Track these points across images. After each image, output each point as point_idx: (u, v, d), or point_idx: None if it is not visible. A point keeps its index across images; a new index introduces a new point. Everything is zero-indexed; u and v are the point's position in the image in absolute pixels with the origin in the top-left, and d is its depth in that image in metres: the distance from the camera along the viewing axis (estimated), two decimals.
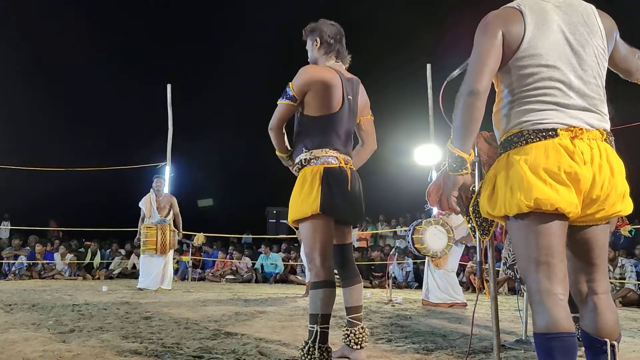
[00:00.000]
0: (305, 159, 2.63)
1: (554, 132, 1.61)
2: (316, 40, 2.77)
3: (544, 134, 1.62)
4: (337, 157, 2.64)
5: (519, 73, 1.69)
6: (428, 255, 5.84)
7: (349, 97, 2.71)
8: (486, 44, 1.68)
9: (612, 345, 1.59)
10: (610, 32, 1.76)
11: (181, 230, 7.88)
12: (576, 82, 1.66)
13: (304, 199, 2.56)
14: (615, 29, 1.79)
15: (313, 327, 2.47)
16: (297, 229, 2.76)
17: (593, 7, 1.76)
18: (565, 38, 1.68)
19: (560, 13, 1.70)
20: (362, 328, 2.73)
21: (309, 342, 2.45)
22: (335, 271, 2.81)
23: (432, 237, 5.72)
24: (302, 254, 7.46)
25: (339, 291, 2.66)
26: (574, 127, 1.62)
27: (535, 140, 1.62)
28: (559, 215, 1.58)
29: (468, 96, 1.66)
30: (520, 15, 1.69)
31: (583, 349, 1.69)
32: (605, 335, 1.60)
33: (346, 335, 2.74)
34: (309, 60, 2.84)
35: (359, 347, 2.70)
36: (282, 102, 2.65)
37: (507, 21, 1.69)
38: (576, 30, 1.69)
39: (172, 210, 7.78)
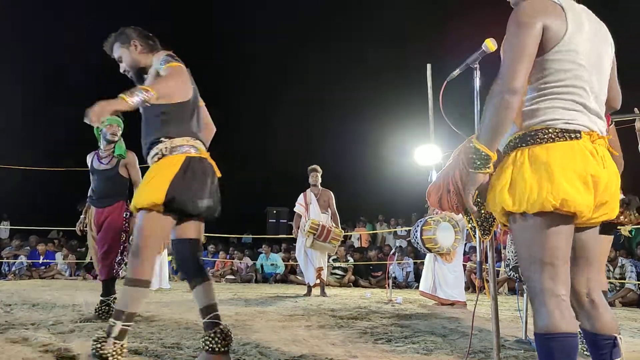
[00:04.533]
0: (165, 148, 2.52)
1: (578, 134, 1.60)
2: (134, 44, 2.68)
3: (570, 134, 1.60)
4: (197, 147, 2.58)
5: (554, 67, 1.64)
6: (441, 253, 5.84)
7: (193, 85, 2.65)
8: (524, 38, 1.60)
9: (617, 338, 1.64)
10: (613, 49, 1.78)
11: None
12: (596, 87, 1.67)
13: (152, 186, 2.43)
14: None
15: (115, 323, 2.35)
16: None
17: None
18: (592, 41, 1.68)
19: (587, 18, 1.72)
20: (225, 327, 2.50)
21: (106, 335, 2.34)
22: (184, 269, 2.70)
23: (443, 235, 5.75)
24: (296, 254, 7.45)
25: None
26: (594, 131, 1.63)
27: (561, 140, 1.60)
28: (570, 217, 1.59)
29: (506, 94, 1.59)
30: (560, 9, 1.65)
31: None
32: (608, 330, 1.64)
33: (208, 340, 2.44)
34: (127, 64, 2.71)
35: (225, 348, 2.46)
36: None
37: (547, 13, 1.63)
38: (597, 37, 1.71)
39: None
